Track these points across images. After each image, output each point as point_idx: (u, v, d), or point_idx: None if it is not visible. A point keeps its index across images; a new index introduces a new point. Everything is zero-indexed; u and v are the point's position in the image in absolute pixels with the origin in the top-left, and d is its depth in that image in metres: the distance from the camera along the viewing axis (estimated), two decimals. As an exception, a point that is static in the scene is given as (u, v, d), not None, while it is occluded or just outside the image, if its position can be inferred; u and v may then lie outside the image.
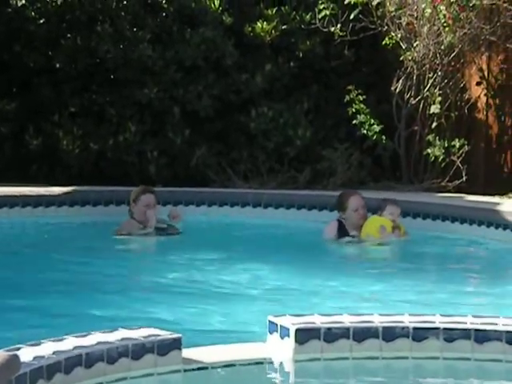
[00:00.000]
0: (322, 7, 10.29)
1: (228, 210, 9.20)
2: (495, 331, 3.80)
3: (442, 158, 9.84)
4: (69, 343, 3.56)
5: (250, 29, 10.35)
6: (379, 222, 7.55)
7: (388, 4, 9.95)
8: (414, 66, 9.96)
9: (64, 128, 10.17)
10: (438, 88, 9.95)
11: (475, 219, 8.13)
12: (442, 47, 9.84)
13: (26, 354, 3.41)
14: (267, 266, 6.68)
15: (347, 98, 10.00)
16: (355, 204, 7.70)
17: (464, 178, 9.65)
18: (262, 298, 5.53)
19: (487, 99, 10.15)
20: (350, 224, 7.68)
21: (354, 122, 10.00)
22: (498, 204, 8.40)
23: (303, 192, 9.57)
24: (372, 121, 9.97)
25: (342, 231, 7.68)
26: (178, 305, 5.35)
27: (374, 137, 9.99)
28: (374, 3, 9.96)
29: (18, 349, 3.45)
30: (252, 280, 6.17)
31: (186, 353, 3.74)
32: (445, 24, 9.76)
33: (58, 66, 10.32)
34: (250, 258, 7.06)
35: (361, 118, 9.98)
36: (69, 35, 10.34)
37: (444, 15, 9.70)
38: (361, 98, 10.00)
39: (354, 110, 10.01)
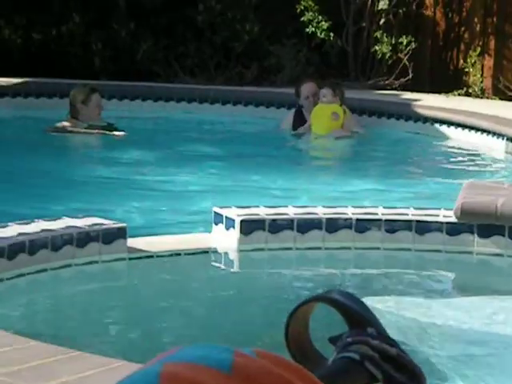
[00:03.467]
0: None
1: (174, 105, 9.11)
2: (436, 222, 3.88)
3: (389, 55, 9.83)
4: (12, 230, 3.55)
5: None
6: (328, 109, 7.50)
7: None
8: (365, -40, 9.82)
9: (6, 17, 9.88)
10: (387, -16, 9.85)
11: (420, 117, 8.20)
12: None
13: (-31, 240, 3.39)
14: (214, 163, 6.68)
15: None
16: (306, 91, 7.74)
17: (410, 76, 9.67)
18: (209, 192, 5.54)
19: (436, -4, 10.11)
20: (306, 112, 7.74)
21: (302, 19, 9.89)
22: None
23: (250, 88, 9.51)
24: (320, 17, 9.86)
25: (299, 120, 7.72)
26: (123, 199, 5.34)
27: (322, 34, 9.90)
28: None
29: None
30: (198, 176, 6.17)
31: (131, 242, 3.75)
32: None
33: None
34: (197, 155, 7.05)
35: (309, 15, 9.87)
36: None
37: None
38: (310, -6, 9.87)
39: (302, 7, 9.89)
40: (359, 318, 1.04)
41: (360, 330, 1.03)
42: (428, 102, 8.55)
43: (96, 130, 7.45)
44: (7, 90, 8.82)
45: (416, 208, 4.03)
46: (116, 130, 7.52)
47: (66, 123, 7.50)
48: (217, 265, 3.90)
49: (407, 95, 9.15)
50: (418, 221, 3.86)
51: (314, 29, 9.89)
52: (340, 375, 1.00)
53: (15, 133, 7.87)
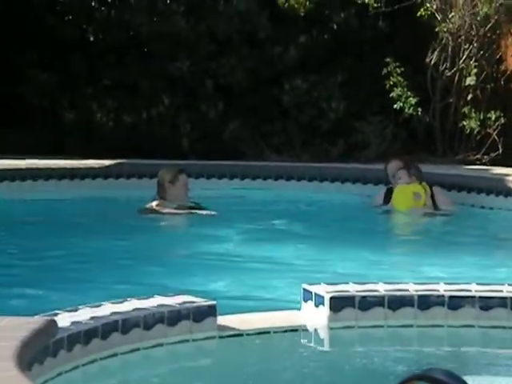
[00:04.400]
0: (356, -22, 10.21)
1: (261, 182, 9.20)
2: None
3: (477, 130, 9.76)
4: (106, 309, 3.60)
5: (283, 0, 10.29)
6: (409, 189, 7.48)
7: (423, -25, 9.86)
8: (450, 38, 9.86)
9: (98, 101, 10.21)
10: (473, 59, 9.85)
11: (510, 192, 8.06)
12: (478, 18, 9.73)
13: (64, 319, 3.45)
14: (302, 239, 6.69)
15: (385, 70, 9.94)
16: (392, 169, 7.72)
17: (500, 151, 9.57)
18: (299, 269, 5.53)
19: (523, 70, 10.04)
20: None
21: (392, 94, 9.93)
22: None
23: (336, 165, 9.54)
24: (409, 93, 9.90)
25: (389, 197, 7.70)
26: (212, 277, 5.37)
27: (410, 110, 9.92)
28: (409, -26, 9.87)
29: (56, 314, 3.48)
30: (287, 253, 6.18)
31: (221, 320, 3.76)
32: (481, -6, 9.65)
33: (91, 39, 10.36)
34: (284, 231, 7.07)
35: (398, 90, 9.91)
36: (102, 8, 10.36)
37: (480, -15, 9.59)
38: (398, 70, 9.93)
39: (391, 83, 9.94)
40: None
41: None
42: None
43: (186, 210, 7.52)
44: (99, 172, 9.05)
45: (510, 284, 3.94)
46: (205, 209, 7.59)
47: (154, 204, 7.58)
48: (306, 343, 3.87)
49: (498, 170, 9.03)
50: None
51: (402, 104, 9.91)
52: None
53: (107, 213, 8.04)
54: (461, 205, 8.01)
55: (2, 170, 8.67)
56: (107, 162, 9.24)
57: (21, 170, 8.80)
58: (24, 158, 9.13)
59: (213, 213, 7.49)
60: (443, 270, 5.49)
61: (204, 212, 7.52)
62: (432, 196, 7.63)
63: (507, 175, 8.55)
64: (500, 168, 9.15)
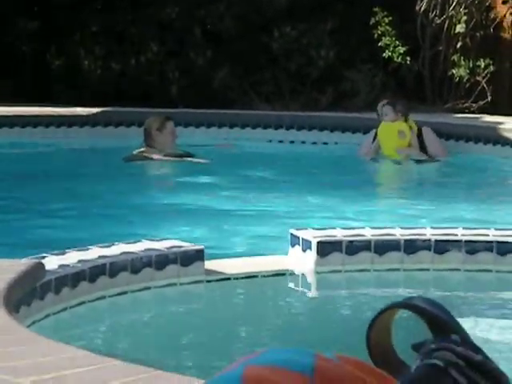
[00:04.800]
0: None
1: (250, 131, 9.17)
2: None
3: (466, 78, 9.73)
4: (93, 253, 3.60)
5: None
6: (393, 127, 7.42)
7: None
8: (440, -15, 9.77)
9: (86, 48, 10.11)
10: (463, 7, 9.78)
11: (499, 140, 8.07)
12: (469, -36, 9.63)
13: (51, 262, 3.45)
14: (290, 187, 6.70)
15: (373, 20, 9.86)
16: (380, 106, 7.70)
17: (489, 99, 9.55)
18: (287, 216, 5.54)
19: (514, 18, 9.97)
20: None
21: (380, 44, 9.87)
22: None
23: (326, 113, 9.51)
24: (397, 42, 9.83)
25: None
26: (200, 223, 5.38)
27: (399, 58, 9.87)
28: None
29: (44, 257, 3.49)
30: (274, 200, 6.19)
31: (209, 264, 3.77)
32: None
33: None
34: (272, 180, 7.07)
35: (386, 40, 9.84)
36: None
37: None
38: (387, 19, 9.85)
39: (379, 32, 9.87)
40: (443, 325, 1.02)
41: (444, 337, 1.01)
42: (509, 125, 8.40)
43: (175, 158, 7.49)
44: (87, 120, 9.01)
45: (497, 229, 3.96)
46: (194, 157, 7.56)
47: (143, 151, 7.56)
48: (294, 287, 3.89)
49: (487, 118, 9.02)
50: (499, 242, 3.79)
51: (390, 53, 9.85)
52: (423, 382, 0.98)
53: (94, 162, 8.02)
54: (448, 153, 8.01)
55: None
56: (95, 110, 9.19)
57: (8, 116, 8.75)
58: (12, 105, 9.08)
59: (205, 160, 7.47)
60: (430, 217, 5.51)
61: (196, 159, 7.51)
62: (421, 137, 7.61)
63: (496, 123, 8.55)
64: (488, 116, 9.15)
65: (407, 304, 1.04)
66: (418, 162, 7.52)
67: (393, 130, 7.43)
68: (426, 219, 5.37)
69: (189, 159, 7.50)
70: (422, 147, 7.58)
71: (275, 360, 0.88)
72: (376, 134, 7.77)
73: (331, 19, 10.19)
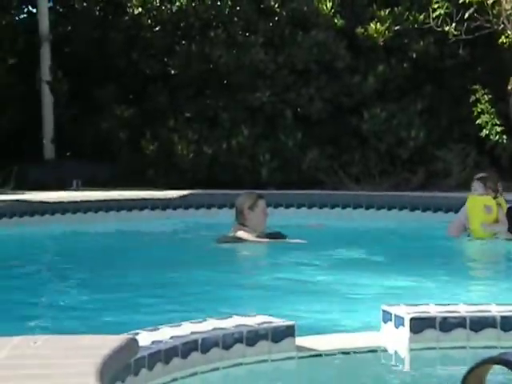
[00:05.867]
0: (436, 6, 10.17)
1: (339, 212, 9.17)
2: None
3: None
4: (185, 329, 3.63)
5: (362, 30, 10.31)
6: (480, 200, 7.30)
7: (504, 2, 9.76)
8: (531, 64, 9.73)
9: (179, 133, 10.37)
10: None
11: None
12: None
13: (145, 338, 3.49)
14: (380, 266, 6.65)
15: (472, 97, 9.85)
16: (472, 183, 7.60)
17: None
18: (379, 295, 5.49)
19: None
20: None
21: (478, 121, 9.84)
22: None
23: (417, 193, 9.46)
24: (496, 121, 9.78)
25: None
26: (290, 301, 5.38)
27: (496, 137, 9.80)
28: (490, 1, 9.78)
29: (137, 333, 3.53)
30: (366, 278, 6.14)
31: (300, 341, 3.75)
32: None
33: (172, 72, 10.55)
34: (364, 259, 7.03)
35: (485, 117, 9.81)
36: (183, 42, 10.54)
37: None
38: (486, 97, 9.83)
39: (479, 110, 9.84)
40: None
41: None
42: None
43: (269, 239, 7.46)
44: (179, 202, 9.17)
45: None
46: (285, 237, 7.56)
47: (235, 232, 7.53)
48: (387, 364, 3.83)
49: None
50: None
51: (487, 131, 9.81)
52: None
53: (187, 243, 8.11)
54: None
55: (93, 202, 8.87)
56: (187, 193, 9.36)
57: (105, 201, 8.98)
58: (108, 190, 9.34)
59: (301, 241, 7.42)
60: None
61: (293, 240, 7.46)
62: (510, 215, 7.47)
63: None
64: None
65: (501, 360, 1.03)
66: (508, 240, 7.36)
67: (479, 204, 7.34)
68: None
69: (285, 240, 7.45)
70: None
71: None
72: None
73: (421, 100, 10.22)
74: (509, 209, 7.54)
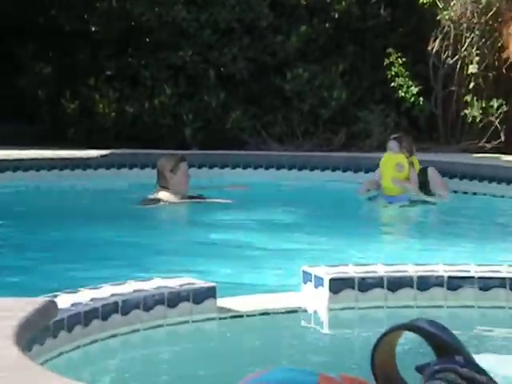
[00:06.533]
0: (357, -34, 10.19)
1: (263, 172, 9.20)
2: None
3: (479, 118, 9.75)
4: (106, 291, 3.61)
5: (285, -11, 10.28)
6: (392, 159, 7.45)
7: (424, -38, 9.84)
8: (451, 26, 9.85)
9: (100, 91, 10.21)
10: (475, 47, 9.84)
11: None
12: (480, 6, 9.71)
13: (64, 300, 3.46)
14: (301, 227, 6.71)
15: (386, 61, 9.93)
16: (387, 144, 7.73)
17: (502, 139, 9.56)
18: (297, 253, 5.55)
19: (526, 58, 10.03)
20: None
21: (393, 84, 9.94)
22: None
23: (338, 154, 9.54)
24: (410, 83, 9.90)
25: None
26: (212, 262, 5.39)
27: (412, 99, 9.92)
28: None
29: (56, 296, 3.50)
30: (287, 240, 6.20)
31: (221, 302, 3.77)
32: (482, -18, 9.64)
33: (93, 29, 10.36)
34: (283, 220, 7.09)
35: (399, 80, 9.91)
36: (103, -2, 10.36)
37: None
38: (400, 60, 9.92)
39: (393, 73, 9.94)
40: (447, 346, 1.02)
41: (447, 358, 1.02)
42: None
43: (191, 200, 7.41)
44: (100, 161, 9.06)
45: (510, 265, 3.95)
46: (204, 198, 7.53)
47: (156, 194, 7.42)
48: (306, 324, 3.87)
49: (502, 157, 9.02)
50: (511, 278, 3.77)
51: (403, 94, 9.92)
52: (428, 403, 0.98)
53: (108, 204, 8.03)
54: (464, 193, 8.01)
55: (6, 161, 8.69)
56: (108, 152, 9.25)
57: (23, 160, 8.82)
58: (27, 149, 9.16)
59: (228, 201, 7.39)
60: (438, 255, 5.49)
61: (219, 200, 7.41)
62: (425, 177, 7.60)
63: (509, 162, 8.55)
64: (503, 155, 9.15)
65: (412, 326, 1.05)
66: (414, 203, 7.47)
67: (391, 162, 7.48)
68: (434, 258, 5.35)
69: (207, 200, 7.41)
70: (426, 188, 7.57)
71: (280, 379, 0.89)
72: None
73: (343, 61, 10.27)
74: (422, 169, 7.67)
